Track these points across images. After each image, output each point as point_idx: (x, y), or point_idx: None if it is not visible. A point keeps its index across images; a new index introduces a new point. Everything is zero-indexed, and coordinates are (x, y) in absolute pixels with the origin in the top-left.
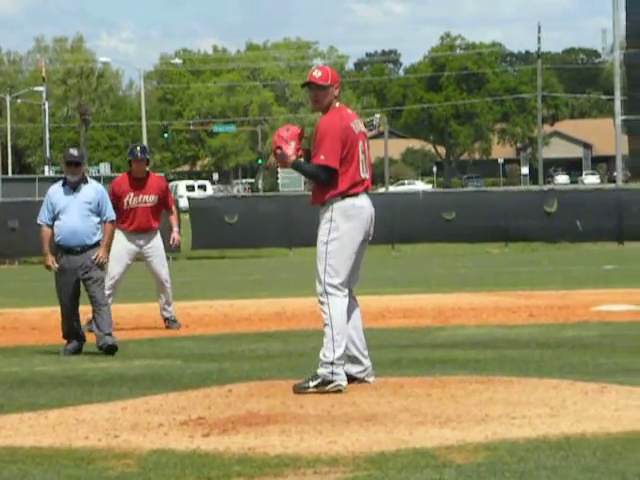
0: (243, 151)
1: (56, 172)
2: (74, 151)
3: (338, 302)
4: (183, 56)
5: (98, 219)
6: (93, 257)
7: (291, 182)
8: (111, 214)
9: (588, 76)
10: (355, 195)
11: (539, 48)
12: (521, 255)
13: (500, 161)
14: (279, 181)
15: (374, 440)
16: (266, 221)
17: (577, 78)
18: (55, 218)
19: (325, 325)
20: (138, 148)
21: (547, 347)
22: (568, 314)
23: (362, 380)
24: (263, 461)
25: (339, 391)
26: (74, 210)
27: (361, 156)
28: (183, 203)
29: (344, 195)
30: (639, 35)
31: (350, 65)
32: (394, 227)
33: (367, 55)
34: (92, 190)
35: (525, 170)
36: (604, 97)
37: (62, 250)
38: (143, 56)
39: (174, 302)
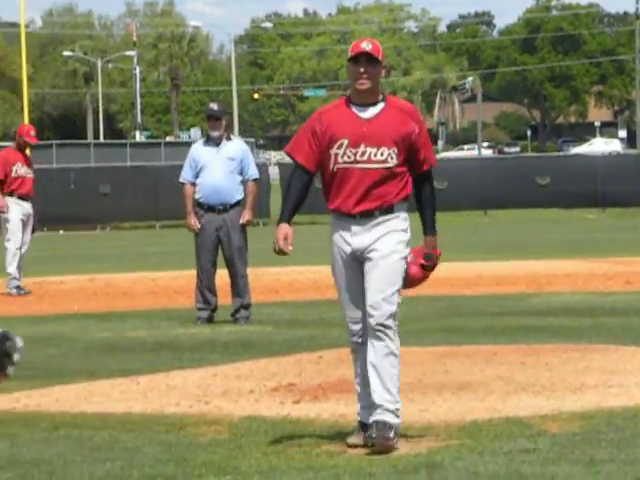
0: None
1: (147, 137)
2: (214, 105)
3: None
4: (274, 20)
5: (241, 177)
6: (241, 220)
7: None
8: (255, 172)
9: None
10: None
11: (637, 8)
12: (618, 221)
13: (597, 124)
14: None
15: (467, 409)
16: None
17: None
18: (197, 175)
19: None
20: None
21: None
22: None
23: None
24: (354, 428)
25: None
26: (217, 167)
27: None
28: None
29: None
30: None
31: (443, 27)
32: (487, 193)
33: (460, 17)
34: (236, 147)
35: (623, 133)
36: None
37: (203, 209)
38: (230, 19)
39: None
